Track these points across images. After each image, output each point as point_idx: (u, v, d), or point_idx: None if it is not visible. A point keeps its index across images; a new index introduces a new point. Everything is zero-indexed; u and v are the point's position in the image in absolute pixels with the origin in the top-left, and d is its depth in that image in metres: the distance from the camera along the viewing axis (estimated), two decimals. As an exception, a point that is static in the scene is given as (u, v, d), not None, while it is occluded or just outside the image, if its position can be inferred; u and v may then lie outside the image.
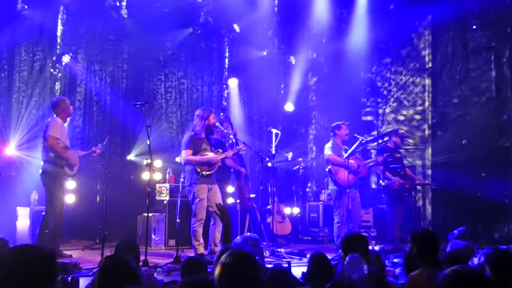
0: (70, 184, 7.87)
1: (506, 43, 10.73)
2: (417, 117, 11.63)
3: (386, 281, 3.28)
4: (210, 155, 6.77)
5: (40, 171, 6.69)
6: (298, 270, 4.51)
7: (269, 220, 9.24)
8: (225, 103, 10.94)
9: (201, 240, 6.70)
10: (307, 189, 11.82)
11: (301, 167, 10.76)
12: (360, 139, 7.98)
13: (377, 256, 4.09)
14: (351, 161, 7.70)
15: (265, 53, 11.46)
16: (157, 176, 8.41)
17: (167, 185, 8.49)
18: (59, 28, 9.01)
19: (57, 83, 9.08)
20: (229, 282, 2.40)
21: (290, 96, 11.60)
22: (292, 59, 11.85)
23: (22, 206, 7.83)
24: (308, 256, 5.11)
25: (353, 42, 11.58)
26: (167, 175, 8.66)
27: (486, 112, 10.86)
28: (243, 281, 2.42)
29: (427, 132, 11.51)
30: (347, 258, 3.10)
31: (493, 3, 10.73)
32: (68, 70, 9.23)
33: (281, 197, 10.22)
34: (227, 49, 11.18)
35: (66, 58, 9.05)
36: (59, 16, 8.99)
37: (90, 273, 5.25)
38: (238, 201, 8.88)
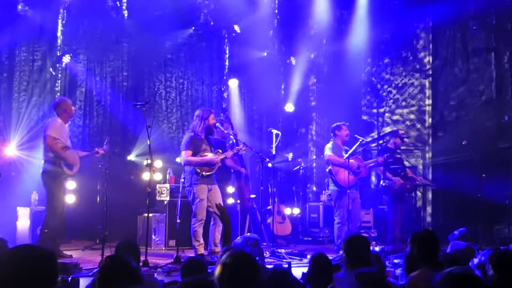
0: (70, 184, 7.86)
1: (507, 44, 10.73)
2: (417, 117, 11.64)
3: (387, 282, 3.27)
4: (210, 155, 6.77)
5: (41, 171, 6.70)
6: (298, 270, 4.51)
7: (269, 220, 9.24)
8: (225, 104, 10.93)
9: (201, 241, 6.70)
10: (308, 190, 11.82)
11: (301, 167, 10.76)
12: (360, 140, 7.98)
13: (378, 257, 4.08)
14: (351, 161, 7.69)
15: (265, 54, 11.46)
16: (158, 176, 8.41)
17: (167, 185, 8.49)
18: (60, 28, 9.02)
19: (57, 83, 9.08)
20: (229, 283, 2.40)
21: (290, 97, 11.60)
22: (293, 60, 11.86)
23: (22, 206, 7.82)
24: (308, 256, 5.12)
25: (353, 43, 11.58)
26: (168, 175, 8.65)
27: (486, 113, 10.85)
28: (243, 282, 2.42)
29: (427, 133, 11.51)
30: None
31: (494, 3, 10.73)
32: (68, 70, 9.23)
33: (282, 197, 10.21)
34: (227, 50, 11.19)
35: (66, 59, 9.05)
36: (60, 16, 9.00)
37: (90, 274, 5.25)
38: (238, 201, 8.88)
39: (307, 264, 3.72)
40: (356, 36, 11.53)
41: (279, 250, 7.45)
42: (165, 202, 8.37)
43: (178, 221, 7.19)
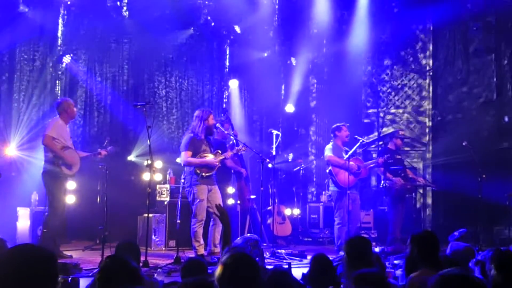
0: (71, 184, 7.85)
1: (507, 45, 10.73)
2: (418, 118, 11.63)
3: (387, 282, 3.27)
4: (210, 156, 6.78)
5: (41, 171, 6.70)
6: (298, 271, 4.51)
7: (269, 221, 9.24)
8: (226, 104, 10.93)
9: (202, 241, 6.70)
10: (308, 190, 11.81)
11: (301, 168, 10.76)
12: (360, 141, 7.99)
13: (378, 257, 4.08)
14: (351, 162, 7.69)
15: (265, 54, 11.46)
16: (158, 177, 8.40)
17: (167, 186, 8.49)
18: (60, 28, 9.00)
19: (57, 84, 9.08)
20: (229, 283, 2.39)
21: (291, 97, 11.60)
22: (293, 60, 11.86)
23: (22, 207, 7.82)
24: (308, 257, 5.12)
25: (354, 43, 11.58)
26: (168, 176, 8.65)
27: (486, 113, 10.85)
28: (243, 282, 2.42)
29: (427, 133, 11.50)
30: None
31: (494, 4, 10.73)
32: (68, 71, 9.22)
33: (282, 198, 10.21)
34: (227, 50, 11.19)
35: (66, 59, 9.04)
36: (60, 16, 8.99)
37: (91, 274, 5.25)
38: (238, 202, 8.87)
39: (307, 265, 3.72)
40: (356, 37, 11.53)
41: (279, 251, 7.44)
42: (165, 203, 8.36)
43: (178, 221, 7.19)
